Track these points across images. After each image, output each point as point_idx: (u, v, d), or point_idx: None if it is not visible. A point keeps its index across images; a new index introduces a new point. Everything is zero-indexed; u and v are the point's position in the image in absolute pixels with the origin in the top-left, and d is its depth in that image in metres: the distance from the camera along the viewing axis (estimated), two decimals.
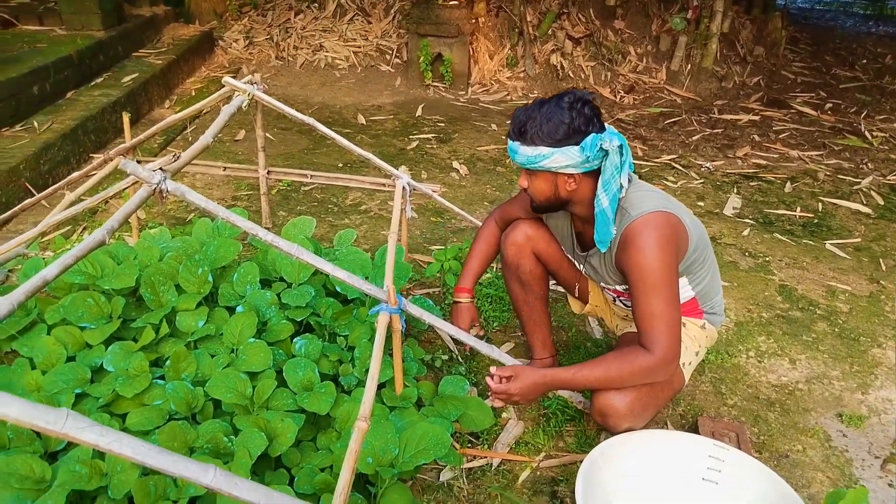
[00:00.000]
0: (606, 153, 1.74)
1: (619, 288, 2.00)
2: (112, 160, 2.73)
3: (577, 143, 1.72)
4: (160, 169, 1.78)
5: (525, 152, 1.76)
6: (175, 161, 1.84)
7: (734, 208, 3.94)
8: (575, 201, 1.85)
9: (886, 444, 2.20)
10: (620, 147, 1.75)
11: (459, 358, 2.47)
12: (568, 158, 1.73)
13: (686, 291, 1.97)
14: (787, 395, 2.40)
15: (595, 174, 1.80)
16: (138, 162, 2.84)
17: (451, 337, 2.11)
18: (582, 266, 2.06)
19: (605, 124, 1.79)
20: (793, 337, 2.73)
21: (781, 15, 7.21)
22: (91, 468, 1.53)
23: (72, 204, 2.51)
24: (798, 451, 2.14)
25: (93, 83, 4.85)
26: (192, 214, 3.49)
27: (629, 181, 1.83)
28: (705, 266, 1.96)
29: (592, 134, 1.72)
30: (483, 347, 2.07)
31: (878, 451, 2.17)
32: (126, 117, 2.76)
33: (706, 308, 2.04)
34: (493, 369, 1.91)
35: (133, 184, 2.58)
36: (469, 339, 2.05)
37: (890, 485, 2.04)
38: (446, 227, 3.52)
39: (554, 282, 2.31)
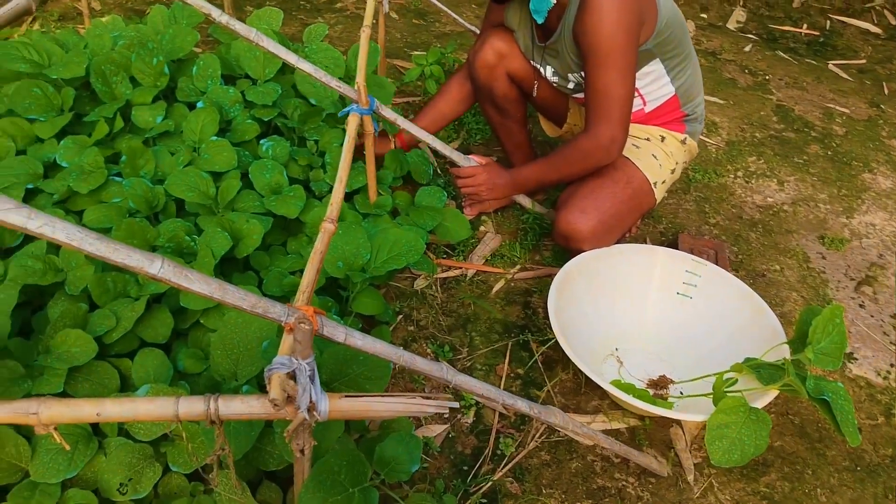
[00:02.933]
0: None
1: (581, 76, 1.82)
2: None
3: None
4: None
5: None
6: None
7: (738, 22, 3.68)
8: None
9: (864, 266, 2.19)
10: None
11: (438, 170, 2.36)
12: None
13: (665, 86, 1.82)
14: (772, 216, 2.35)
15: None
16: None
17: (429, 147, 2.00)
18: (540, 61, 1.88)
19: None
20: (784, 158, 2.65)
21: None
22: (45, 263, 1.46)
23: None
24: (775, 271, 2.13)
25: None
26: (150, 8, 3.18)
27: None
28: (683, 54, 1.79)
29: None
30: (459, 158, 1.97)
31: (855, 274, 2.16)
32: None
33: (688, 110, 1.91)
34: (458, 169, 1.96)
35: None
36: (445, 149, 1.94)
37: (861, 306, 2.05)
38: (429, 30, 3.26)
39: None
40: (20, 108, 1.88)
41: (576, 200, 1.80)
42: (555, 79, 1.90)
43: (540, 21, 1.73)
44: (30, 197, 1.75)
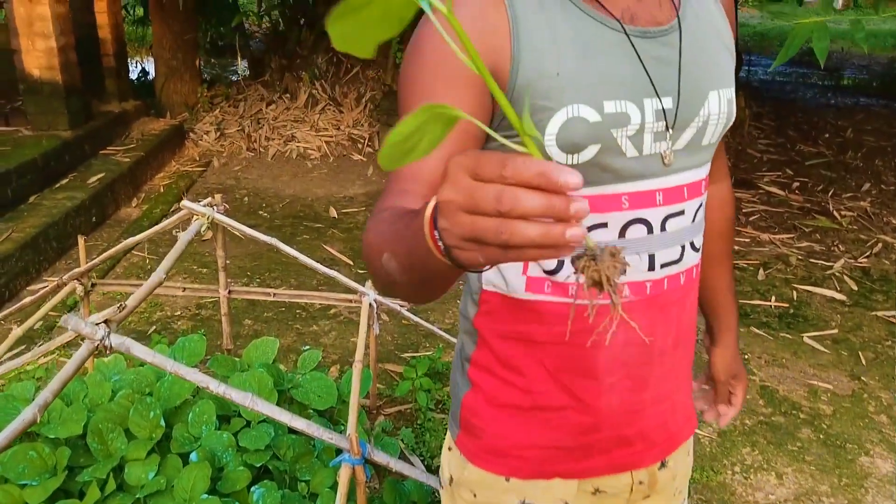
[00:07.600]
0: None
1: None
2: (65, 285, 2.63)
3: None
4: (104, 322, 1.68)
5: None
6: (121, 311, 1.74)
7: None
8: None
9: None
10: None
11: (436, 493, 2.33)
12: None
13: None
14: None
15: None
16: (92, 285, 2.74)
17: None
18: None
19: None
20: (778, 447, 2.64)
21: (744, 94, 7.39)
22: None
23: (14, 353, 2.39)
24: None
25: (57, 185, 4.77)
26: (153, 328, 3.37)
27: None
28: None
29: None
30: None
31: None
32: (82, 241, 2.67)
33: None
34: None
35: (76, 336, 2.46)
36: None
37: None
38: (418, 330, 3.43)
39: None
40: (13, 474, 1.89)
41: None
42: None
43: None
44: None
